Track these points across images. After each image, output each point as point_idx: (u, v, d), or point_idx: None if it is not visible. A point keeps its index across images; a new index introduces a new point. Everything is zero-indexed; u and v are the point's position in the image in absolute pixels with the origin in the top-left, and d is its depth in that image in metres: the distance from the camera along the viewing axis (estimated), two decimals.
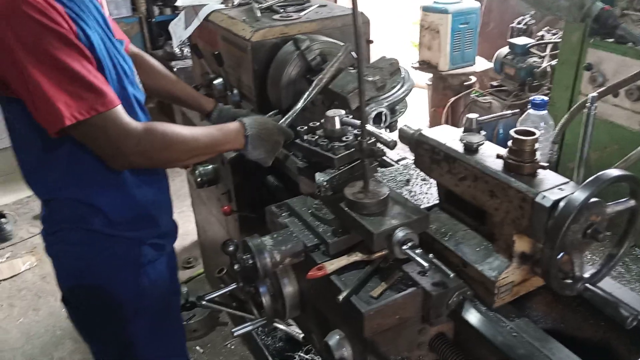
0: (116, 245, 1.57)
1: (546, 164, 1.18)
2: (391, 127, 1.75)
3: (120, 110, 1.33)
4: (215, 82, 2.25)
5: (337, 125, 1.39)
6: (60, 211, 1.52)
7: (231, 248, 1.34)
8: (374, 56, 2.34)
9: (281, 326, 2.23)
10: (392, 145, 1.25)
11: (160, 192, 1.70)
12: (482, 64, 4.39)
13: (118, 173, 1.49)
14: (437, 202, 1.46)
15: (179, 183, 4.39)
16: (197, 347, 2.77)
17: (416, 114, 5.49)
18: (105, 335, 1.70)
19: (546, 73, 3.81)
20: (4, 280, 3.41)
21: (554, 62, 3.72)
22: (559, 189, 1.11)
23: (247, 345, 2.39)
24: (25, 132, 1.39)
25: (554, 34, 4.03)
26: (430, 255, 1.22)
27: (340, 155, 1.34)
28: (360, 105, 1.23)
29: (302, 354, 2.17)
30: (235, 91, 2.18)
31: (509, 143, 1.19)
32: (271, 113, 1.73)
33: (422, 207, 1.45)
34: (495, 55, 4.05)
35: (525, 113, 1.40)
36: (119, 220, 1.54)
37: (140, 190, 1.59)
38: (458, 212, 1.39)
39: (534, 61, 3.85)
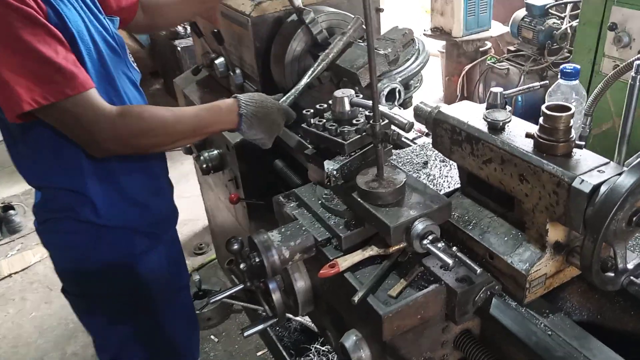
0: (107, 235, 1.49)
1: (582, 143, 1.05)
2: (405, 104, 1.62)
3: (92, 93, 1.22)
4: (216, 61, 2.12)
5: (347, 107, 1.26)
6: (50, 199, 1.44)
7: (236, 246, 1.23)
8: (384, 26, 2.18)
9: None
10: (408, 128, 1.13)
11: (152, 178, 1.60)
12: (497, 28, 4.19)
13: (105, 160, 1.39)
14: (459, 185, 1.34)
15: (187, 166, 4.29)
16: (212, 337, 2.71)
17: (429, 84, 5.31)
18: (105, 326, 1.64)
19: (567, 35, 3.61)
20: (16, 273, 3.37)
21: (575, 23, 3.52)
22: (599, 171, 0.98)
23: (262, 337, 2.31)
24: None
25: None
26: (454, 249, 1.11)
27: (350, 141, 1.22)
28: (371, 83, 1.10)
29: (318, 346, 2.09)
30: (237, 71, 2.06)
31: (540, 120, 1.05)
32: (275, 96, 1.60)
33: (442, 192, 1.34)
34: (512, 18, 3.85)
35: (555, 84, 1.26)
36: (108, 209, 1.45)
37: (130, 177, 1.50)
38: (482, 197, 1.27)
39: (554, 23, 3.65)
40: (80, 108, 1.19)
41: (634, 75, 0.93)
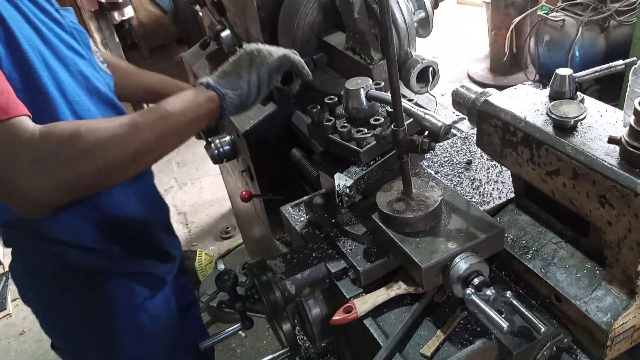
0: (97, 285, 1.19)
1: None
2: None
3: (20, 121, 0.84)
4: (222, 35, 1.83)
5: (363, 102, 0.97)
6: (17, 242, 1.16)
7: (229, 283, 0.99)
8: None
9: None
10: (442, 134, 0.83)
11: (141, 201, 1.23)
12: None
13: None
14: (513, 195, 1.05)
15: None
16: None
17: (473, 39, 4.86)
18: None
19: None
20: None
21: None
22: None
23: None
24: None
25: None
26: (508, 294, 0.83)
27: (367, 148, 0.93)
28: (390, 73, 0.81)
29: None
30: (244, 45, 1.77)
31: (631, 121, 0.74)
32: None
33: (491, 204, 1.05)
34: None
35: None
36: (91, 246, 1.13)
37: (110, 199, 1.13)
38: (546, 214, 0.97)
39: None
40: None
41: None
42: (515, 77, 4.00)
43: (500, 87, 4.06)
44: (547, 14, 3.41)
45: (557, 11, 3.39)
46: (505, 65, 3.98)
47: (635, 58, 0.92)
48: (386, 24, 0.75)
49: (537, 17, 3.49)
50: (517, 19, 3.63)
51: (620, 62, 0.93)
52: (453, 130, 1.39)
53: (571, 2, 3.37)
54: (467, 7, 5.50)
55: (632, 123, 0.74)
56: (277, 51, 1.09)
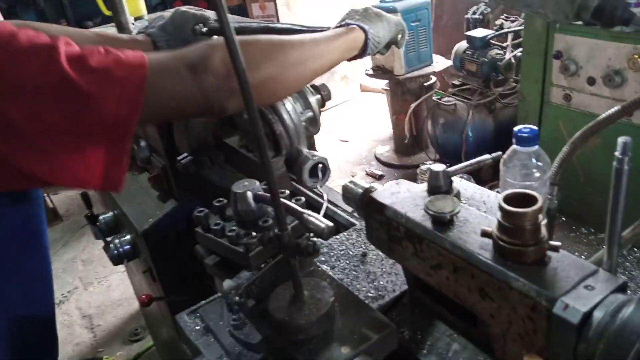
0: None
1: (558, 244, 0.78)
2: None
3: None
4: None
5: (251, 204, 0.96)
6: None
7: None
8: None
9: None
10: (326, 234, 0.84)
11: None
12: (440, 62, 4.02)
13: None
14: (407, 287, 1.06)
15: None
16: None
17: (378, 123, 5.12)
18: None
19: (511, 65, 3.47)
20: None
21: (518, 52, 3.39)
22: (586, 287, 0.71)
23: None
24: None
25: (513, 22, 3.69)
26: None
27: (256, 252, 0.92)
28: (268, 175, 0.81)
29: None
30: (142, 143, 1.74)
31: (498, 217, 0.78)
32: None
33: (386, 298, 1.05)
34: (454, 50, 3.70)
35: (510, 150, 1.00)
36: None
37: None
38: (437, 305, 0.98)
39: (497, 53, 3.51)
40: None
41: (618, 155, 0.68)
42: (418, 156, 4.22)
43: (405, 167, 4.27)
44: (440, 99, 3.69)
45: (448, 96, 3.68)
46: (408, 147, 4.21)
47: (500, 152, 0.99)
48: (258, 133, 0.76)
49: (432, 102, 3.76)
50: (413, 105, 3.88)
51: (488, 156, 0.99)
52: (353, 220, 1.41)
53: (460, 88, 3.67)
54: (370, 93, 5.84)
55: (499, 218, 0.78)
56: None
